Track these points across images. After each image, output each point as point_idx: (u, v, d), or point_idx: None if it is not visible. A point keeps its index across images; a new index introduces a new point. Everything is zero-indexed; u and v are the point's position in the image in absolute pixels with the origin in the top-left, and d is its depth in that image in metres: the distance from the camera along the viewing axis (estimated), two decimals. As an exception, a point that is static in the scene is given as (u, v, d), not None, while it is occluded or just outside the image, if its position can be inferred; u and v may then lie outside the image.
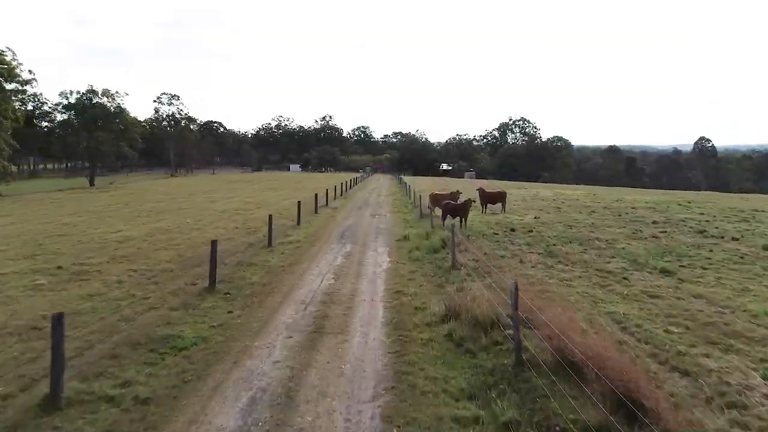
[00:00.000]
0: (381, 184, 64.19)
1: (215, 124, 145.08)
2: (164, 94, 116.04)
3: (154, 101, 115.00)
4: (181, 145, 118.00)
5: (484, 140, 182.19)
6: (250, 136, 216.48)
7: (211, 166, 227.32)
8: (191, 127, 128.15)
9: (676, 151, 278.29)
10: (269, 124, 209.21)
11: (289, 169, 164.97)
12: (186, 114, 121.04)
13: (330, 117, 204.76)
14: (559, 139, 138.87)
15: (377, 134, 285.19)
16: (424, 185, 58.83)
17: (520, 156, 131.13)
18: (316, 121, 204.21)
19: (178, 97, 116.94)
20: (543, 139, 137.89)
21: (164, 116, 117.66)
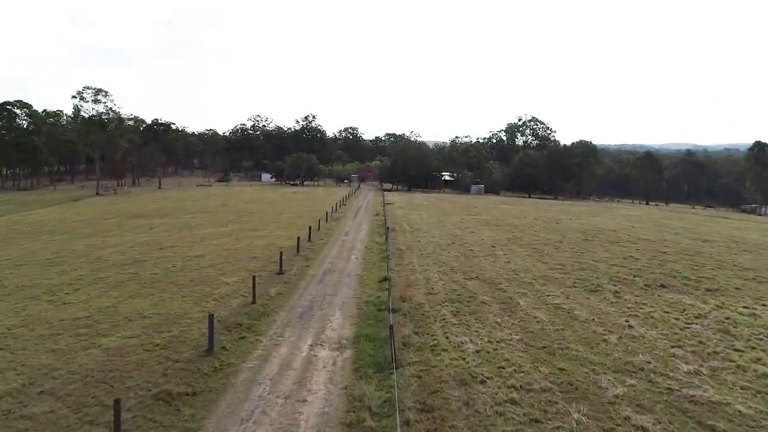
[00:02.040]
0: (355, 240, 36.47)
1: (161, 127, 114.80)
2: (87, 88, 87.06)
3: (74, 97, 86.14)
4: (111, 151, 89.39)
5: (489, 143, 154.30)
6: (226, 135, 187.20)
7: (177, 173, 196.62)
8: (131, 127, 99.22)
9: (689, 153, 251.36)
10: (244, 125, 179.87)
11: (260, 179, 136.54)
12: (118, 113, 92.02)
13: (313, 117, 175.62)
14: (585, 144, 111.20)
15: (367, 136, 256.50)
16: (429, 242, 30.79)
17: (540, 165, 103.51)
18: (297, 121, 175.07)
19: (107, 93, 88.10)
20: (565, 144, 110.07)
21: (89, 116, 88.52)
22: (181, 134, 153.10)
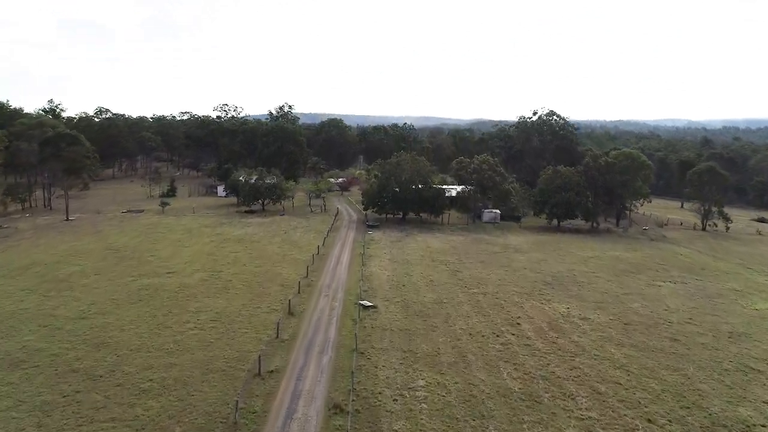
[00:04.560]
0: None
1: (66, 139, 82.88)
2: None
3: None
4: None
5: (497, 143, 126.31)
6: (190, 125, 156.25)
7: (133, 169, 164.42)
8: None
9: (706, 140, 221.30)
10: (208, 116, 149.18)
11: (216, 192, 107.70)
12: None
13: (289, 107, 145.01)
14: (631, 156, 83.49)
15: (352, 121, 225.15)
16: None
17: (573, 185, 76.23)
18: (271, 113, 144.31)
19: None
20: (607, 159, 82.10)
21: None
22: (133, 124, 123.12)
